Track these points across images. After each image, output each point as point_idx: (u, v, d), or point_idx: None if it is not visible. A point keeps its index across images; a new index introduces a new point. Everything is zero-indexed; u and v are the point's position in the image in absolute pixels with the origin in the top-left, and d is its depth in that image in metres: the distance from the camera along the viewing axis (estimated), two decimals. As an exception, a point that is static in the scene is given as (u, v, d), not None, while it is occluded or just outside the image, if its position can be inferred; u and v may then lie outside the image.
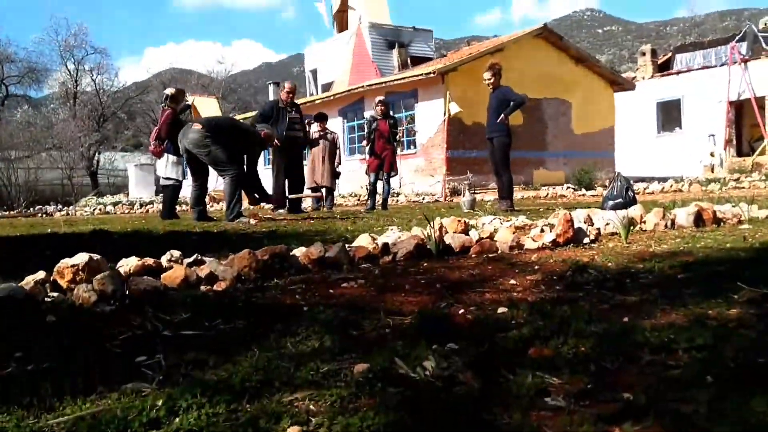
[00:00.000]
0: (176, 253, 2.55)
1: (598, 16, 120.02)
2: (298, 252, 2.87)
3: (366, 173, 10.75)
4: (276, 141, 8.54)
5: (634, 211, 4.23)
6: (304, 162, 12.15)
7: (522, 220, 4.54)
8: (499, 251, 3.06)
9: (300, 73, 32.59)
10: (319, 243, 2.71)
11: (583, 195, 15.18)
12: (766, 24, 26.66)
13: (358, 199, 19.26)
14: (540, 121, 21.37)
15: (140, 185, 30.41)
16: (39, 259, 3.10)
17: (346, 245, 2.87)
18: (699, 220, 4.19)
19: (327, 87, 28.03)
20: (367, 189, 11.13)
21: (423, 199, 17.43)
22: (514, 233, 3.77)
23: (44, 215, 20.87)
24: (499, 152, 8.34)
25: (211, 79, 45.25)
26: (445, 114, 17.32)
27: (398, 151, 10.60)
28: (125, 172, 35.53)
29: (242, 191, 6.77)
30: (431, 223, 3.75)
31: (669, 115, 26.27)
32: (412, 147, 20.88)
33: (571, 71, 22.12)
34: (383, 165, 10.00)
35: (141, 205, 22.25)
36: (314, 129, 12.07)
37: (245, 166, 6.88)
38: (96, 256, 2.52)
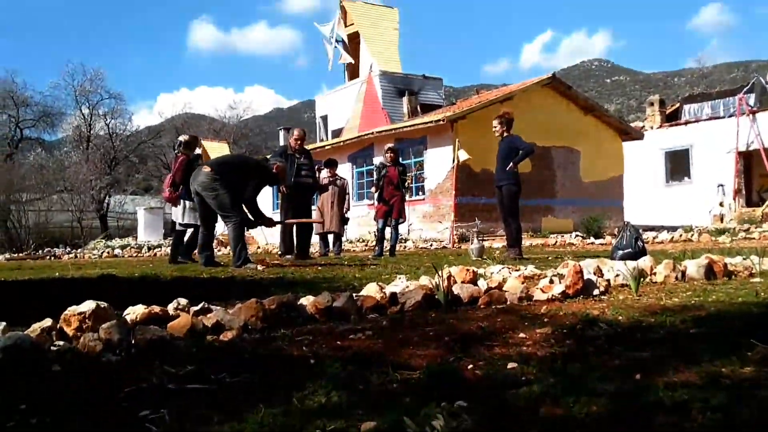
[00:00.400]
0: (183, 301, 2.54)
1: (606, 66, 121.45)
2: (306, 301, 2.86)
3: (374, 219, 10.78)
4: (284, 188, 8.62)
5: (644, 262, 4.20)
6: (313, 207, 12.21)
7: (531, 270, 4.52)
8: (508, 302, 3.04)
9: (311, 118, 33.03)
10: (327, 292, 2.69)
11: (592, 243, 15.12)
12: (773, 76, 26.89)
13: (366, 245, 19.27)
14: (549, 169, 21.46)
15: (149, 229, 30.55)
16: (46, 306, 3.09)
17: (354, 294, 2.85)
18: (710, 272, 4.15)
19: (337, 133, 28.34)
20: (375, 235, 11.16)
21: (431, 245, 17.40)
22: (523, 283, 3.74)
23: (53, 258, 20.92)
24: (508, 200, 8.35)
25: (222, 124, 45.87)
26: (454, 161, 17.43)
27: (407, 197, 10.62)
28: (135, 215, 35.74)
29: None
30: (439, 273, 3.73)
31: (678, 164, 26.36)
32: (420, 193, 20.96)
33: (579, 120, 22.30)
34: (392, 211, 10.04)
35: (149, 249, 22.31)
36: (324, 175, 12.17)
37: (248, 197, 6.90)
38: (103, 304, 2.51)
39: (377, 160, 22.38)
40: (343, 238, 12.23)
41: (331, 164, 12.27)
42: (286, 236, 8.99)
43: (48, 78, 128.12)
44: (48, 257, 21.36)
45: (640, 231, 6.81)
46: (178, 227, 8.90)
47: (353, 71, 29.14)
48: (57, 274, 7.95)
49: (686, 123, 26.22)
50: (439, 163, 20.01)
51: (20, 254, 26.18)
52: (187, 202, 8.54)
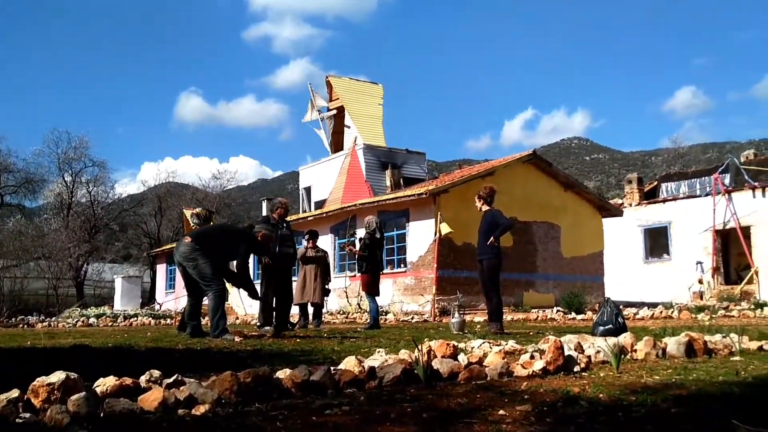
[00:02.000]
0: (156, 373, 2.47)
1: (586, 144, 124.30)
2: (282, 374, 2.80)
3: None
4: (266, 259, 8.58)
5: (625, 339, 4.19)
6: (293, 278, 12.13)
7: (511, 345, 4.49)
8: (489, 378, 2.99)
9: (294, 189, 33.37)
10: (304, 366, 2.64)
11: (573, 319, 15.09)
12: (747, 157, 27.68)
13: (347, 317, 19.08)
14: (530, 243, 21.62)
15: (126, 297, 30.11)
16: (14, 375, 2.99)
17: (332, 368, 2.80)
18: (690, 350, 4.14)
19: (320, 204, 28.50)
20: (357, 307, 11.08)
21: (412, 318, 17.25)
22: (503, 358, 3.72)
23: (26, 326, 20.43)
24: (489, 274, 8.37)
25: (206, 193, 45.96)
26: (436, 234, 17.52)
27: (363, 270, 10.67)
28: (112, 283, 35.30)
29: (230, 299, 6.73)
30: (419, 347, 3.69)
31: (656, 241, 26.71)
32: (402, 266, 20.95)
33: (560, 196, 22.66)
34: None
35: (125, 318, 21.94)
36: (304, 245, 12.16)
37: (237, 268, 6.88)
38: (73, 375, 2.44)
39: (360, 231, 22.46)
40: (324, 310, 12.09)
41: (313, 236, 12.27)
42: (265, 307, 8.86)
43: (32, 145, 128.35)
44: (21, 326, 20.86)
45: (621, 307, 6.81)
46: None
47: (337, 144, 29.60)
48: (29, 343, 7.74)
49: (664, 201, 26.73)
50: (421, 236, 20.09)
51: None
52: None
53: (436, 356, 3.74)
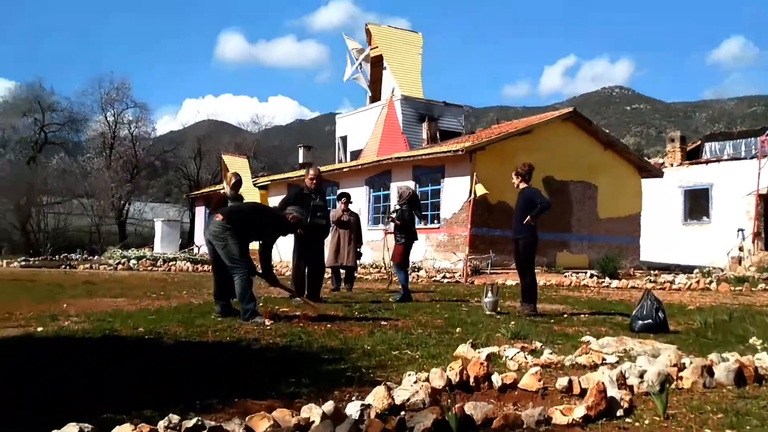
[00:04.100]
0: (175, 419, 2.49)
1: (627, 93, 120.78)
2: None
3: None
4: (300, 230, 8.66)
5: (669, 366, 4.02)
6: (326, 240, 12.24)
7: (546, 357, 4.47)
8: (525, 425, 2.94)
9: (331, 132, 33.42)
10: (328, 422, 2.63)
11: (607, 286, 15.01)
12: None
13: (380, 271, 19.26)
14: (566, 203, 21.38)
15: (165, 240, 30.77)
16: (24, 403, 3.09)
17: (360, 411, 2.82)
18: (740, 377, 4.02)
19: (356, 154, 28.46)
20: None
21: (444, 277, 17.36)
22: (539, 380, 3.72)
23: (68, 267, 21.11)
24: (524, 254, 8.33)
25: (243, 138, 46.21)
26: (471, 193, 17.44)
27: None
28: (152, 222, 36.07)
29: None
30: (450, 366, 3.74)
31: (696, 203, 26.18)
32: (435, 221, 20.96)
33: (599, 155, 22.25)
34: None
35: (164, 261, 22.47)
36: (339, 208, 12.21)
37: (260, 250, 6.92)
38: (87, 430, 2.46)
39: (394, 185, 22.44)
40: (356, 274, 12.23)
41: (345, 197, 12.31)
42: (297, 278, 8.98)
43: (74, 85, 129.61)
44: (64, 266, 21.57)
45: (662, 302, 6.72)
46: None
47: (375, 94, 29.30)
48: (64, 306, 8.01)
49: (707, 162, 26.06)
50: (456, 193, 20.01)
51: (37, 259, 26.53)
52: None
53: (468, 376, 3.79)
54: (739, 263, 21.92)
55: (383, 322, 6.68)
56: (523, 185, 8.54)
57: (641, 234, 23.17)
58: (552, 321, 7.45)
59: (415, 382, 3.49)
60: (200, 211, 34.40)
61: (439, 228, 20.70)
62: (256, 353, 4.60)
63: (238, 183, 9.21)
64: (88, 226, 36.61)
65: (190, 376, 3.77)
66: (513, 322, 6.65)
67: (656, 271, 19.31)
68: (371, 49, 29.29)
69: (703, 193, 25.80)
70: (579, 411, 3.01)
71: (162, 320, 6.33)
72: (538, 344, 5.26)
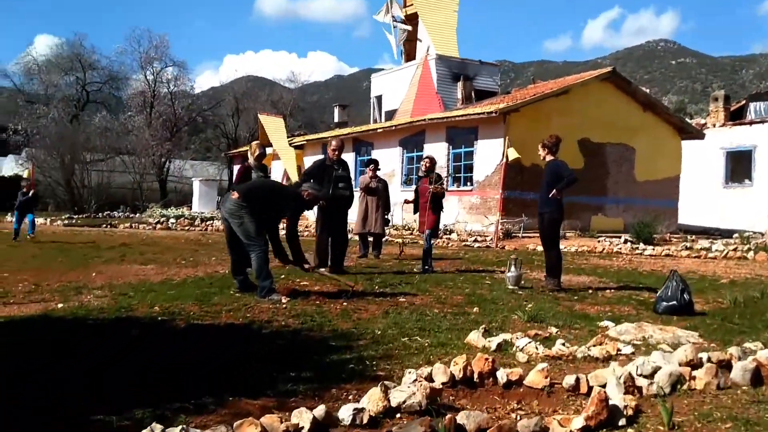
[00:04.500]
0: (158, 429, 2.58)
1: (672, 47, 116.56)
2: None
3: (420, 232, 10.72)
4: (322, 201, 8.74)
5: (682, 366, 3.88)
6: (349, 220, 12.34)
7: (558, 348, 4.48)
8: (520, 436, 2.95)
9: (369, 88, 33.23)
10: None
11: (641, 254, 14.83)
12: None
13: (411, 233, 19.31)
14: (602, 166, 21.05)
15: (203, 199, 31.36)
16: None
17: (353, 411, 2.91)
18: (757, 377, 3.90)
19: (390, 114, 28.31)
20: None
21: (475, 241, 17.37)
22: (546, 377, 3.70)
23: (108, 226, 21.70)
24: (549, 228, 8.30)
25: (280, 95, 46.24)
26: (503, 157, 17.27)
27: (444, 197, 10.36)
28: (192, 180, 36.69)
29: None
30: (455, 361, 3.80)
31: (739, 166, 25.47)
32: (468, 184, 20.87)
33: (637, 116, 21.73)
34: (424, 224, 9.83)
35: (202, 221, 22.94)
36: (367, 175, 12.26)
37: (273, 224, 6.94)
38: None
39: (428, 146, 22.31)
40: (384, 239, 12.34)
41: (375, 164, 12.35)
42: (320, 248, 9.09)
43: (115, 43, 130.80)
44: (105, 225, 22.18)
45: (688, 283, 6.61)
46: None
47: (409, 53, 28.92)
48: (93, 275, 8.30)
49: (751, 123, 25.21)
50: (489, 155, 19.84)
51: (80, 216, 27.36)
52: None
53: (473, 371, 3.80)
54: (780, 228, 21.37)
55: (401, 298, 6.78)
56: (549, 157, 8.46)
57: (680, 197, 22.70)
58: (575, 298, 7.45)
59: (415, 381, 3.52)
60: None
61: (471, 190, 20.62)
62: (265, 339, 4.70)
63: (262, 155, 9.32)
64: (130, 183, 37.38)
65: (193, 369, 3.86)
66: (531, 303, 6.69)
67: (693, 237, 18.96)
68: (406, 6, 28.81)
69: (746, 155, 25.07)
70: (577, 422, 2.95)
71: (180, 296, 6.51)
72: (554, 330, 5.29)
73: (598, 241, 16.87)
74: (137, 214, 29.46)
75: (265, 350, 4.36)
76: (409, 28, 28.58)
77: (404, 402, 3.14)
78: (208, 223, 22.52)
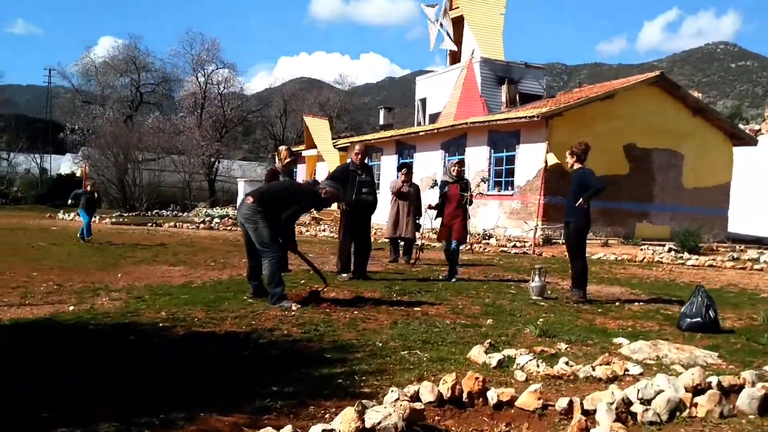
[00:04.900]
0: None
1: (732, 50, 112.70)
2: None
3: (438, 240, 10.34)
4: (344, 205, 8.73)
5: (685, 391, 3.69)
6: (379, 223, 12.28)
7: (561, 367, 4.33)
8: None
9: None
10: None
11: (683, 264, 14.37)
12: None
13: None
14: (647, 171, 20.51)
15: (248, 199, 31.74)
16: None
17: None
18: (765, 406, 3.66)
19: (434, 117, 28.18)
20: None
21: (513, 246, 17.14)
22: (538, 399, 3.58)
23: (153, 225, 22.15)
24: (574, 237, 8.10)
25: (327, 97, 46.58)
26: (543, 163, 16.99)
27: (469, 214, 10.03)
28: (238, 180, 37.26)
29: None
30: (444, 379, 3.72)
31: (795, 173, 24.46)
32: (509, 188, 20.62)
33: (686, 121, 21.10)
34: (452, 232, 9.49)
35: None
36: (400, 179, 12.22)
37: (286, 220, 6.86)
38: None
39: (470, 149, 22.14)
40: (417, 243, 12.25)
41: (408, 170, 12.30)
42: (343, 254, 9.06)
43: (168, 45, 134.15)
44: (151, 223, 22.68)
45: (714, 300, 6.35)
46: None
47: (454, 56, 28.74)
48: (119, 276, 8.46)
49: (809, 129, 24.21)
50: (531, 159, 19.54)
51: (131, 214, 28.14)
52: None
53: (462, 391, 3.69)
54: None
55: (416, 308, 6.70)
56: (577, 165, 8.23)
57: (731, 205, 21.93)
58: (599, 310, 7.25)
59: (397, 400, 3.45)
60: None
61: (512, 195, 20.36)
62: (261, 349, 4.68)
63: (293, 161, 9.32)
64: (180, 182, 38.20)
65: (173, 380, 3.85)
66: (551, 316, 6.54)
67: (742, 246, 18.30)
68: (452, 9, 28.63)
69: (803, 162, 24.06)
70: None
71: (192, 301, 6.56)
72: (563, 346, 5.14)
73: (640, 249, 16.45)
74: (184, 213, 30.08)
75: (256, 360, 4.34)
76: (453, 47, 28.32)
77: (379, 423, 3.07)
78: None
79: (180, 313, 5.87)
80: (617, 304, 7.86)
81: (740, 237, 21.43)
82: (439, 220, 9.90)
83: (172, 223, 22.85)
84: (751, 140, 22.17)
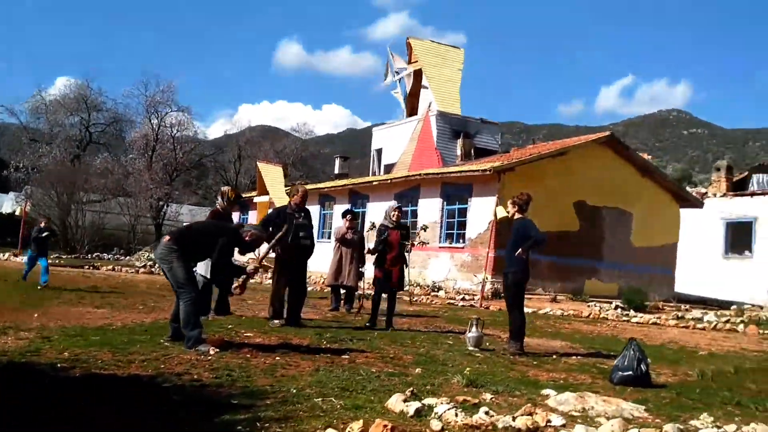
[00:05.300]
0: None
1: (684, 117, 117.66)
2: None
3: (372, 284, 9.93)
4: (278, 249, 8.29)
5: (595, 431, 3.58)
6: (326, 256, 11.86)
7: (480, 417, 3.96)
8: None
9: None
10: None
11: (628, 321, 14.22)
12: None
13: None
14: (598, 229, 20.63)
15: (195, 244, 30.90)
16: None
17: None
18: None
19: (389, 168, 28.11)
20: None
21: (462, 299, 16.87)
22: None
23: (90, 268, 21.19)
24: (513, 289, 7.82)
25: (284, 145, 46.37)
26: (493, 215, 16.88)
27: (408, 262, 9.70)
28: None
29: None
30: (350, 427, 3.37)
31: (739, 237, 24.95)
32: (460, 241, 20.43)
33: (635, 182, 21.42)
34: (390, 278, 9.11)
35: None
36: (344, 225, 11.86)
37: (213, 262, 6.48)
38: None
39: (423, 201, 22.00)
40: (358, 293, 11.84)
41: (352, 216, 11.97)
42: (276, 298, 8.58)
43: (124, 85, 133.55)
44: (88, 266, 21.71)
45: (646, 354, 6.13)
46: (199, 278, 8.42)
47: (412, 108, 28.91)
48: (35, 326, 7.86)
49: (752, 194, 24.80)
50: (483, 212, 19.44)
51: (70, 256, 27.01)
52: None
53: None
54: (780, 303, 20.70)
55: (344, 356, 6.25)
56: (518, 216, 8.01)
57: (677, 265, 22.15)
58: (535, 363, 6.90)
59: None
60: (235, 217, 34.49)
61: (464, 248, 20.17)
62: (161, 394, 4.21)
63: (232, 199, 8.91)
64: (126, 225, 37.12)
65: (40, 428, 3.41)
66: (480, 366, 6.20)
67: (687, 306, 18.37)
68: (411, 63, 28.96)
69: (746, 226, 24.57)
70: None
71: (103, 342, 6.02)
72: (488, 396, 4.77)
73: (587, 306, 16.31)
74: (126, 258, 29.07)
75: (151, 408, 3.85)
76: (410, 75, 28.63)
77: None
78: (194, 267, 22.05)
79: (84, 354, 5.33)
80: (554, 357, 7.54)
81: (686, 297, 21.57)
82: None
83: (110, 267, 21.94)
84: (697, 202, 22.59)
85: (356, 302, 11.56)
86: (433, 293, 18.25)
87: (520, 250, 7.64)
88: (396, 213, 9.43)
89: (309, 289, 11.47)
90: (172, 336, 6.37)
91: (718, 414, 4.70)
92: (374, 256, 9.31)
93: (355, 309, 11.28)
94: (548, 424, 4.01)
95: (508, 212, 8.22)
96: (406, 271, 9.68)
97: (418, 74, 28.45)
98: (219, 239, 6.22)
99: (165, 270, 6.17)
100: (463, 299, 16.95)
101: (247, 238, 6.42)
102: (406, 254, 9.43)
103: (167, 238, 6.26)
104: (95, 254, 30.24)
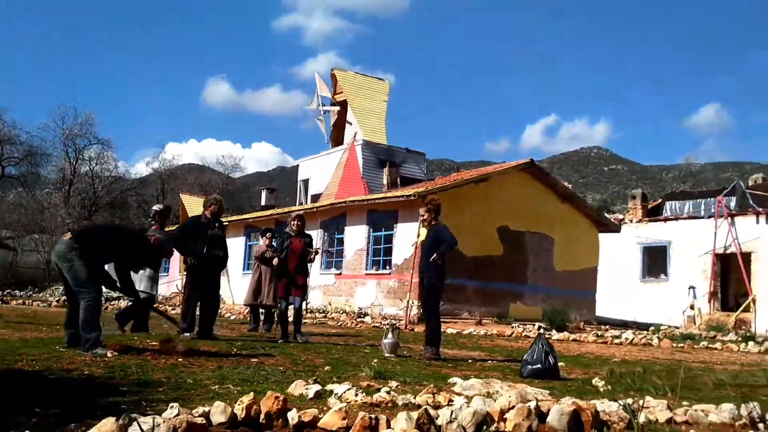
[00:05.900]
0: None
1: (605, 154, 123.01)
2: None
3: (276, 298, 9.70)
4: (191, 259, 8.03)
5: (493, 406, 3.48)
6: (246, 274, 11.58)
7: (382, 395, 3.85)
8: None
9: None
10: None
11: (549, 338, 14.38)
12: (755, 181, 26.75)
13: (325, 316, 18.61)
14: (521, 253, 20.95)
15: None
16: None
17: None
18: (576, 422, 3.43)
19: (316, 198, 27.99)
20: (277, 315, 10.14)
21: (389, 322, 16.69)
22: (343, 419, 3.15)
23: (1, 302, 20.08)
24: (429, 294, 7.80)
25: (209, 179, 45.62)
26: (416, 238, 16.92)
27: (310, 272, 9.68)
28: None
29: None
30: (241, 399, 3.19)
31: (655, 261, 25.89)
32: (387, 267, 20.36)
33: (556, 208, 21.95)
34: (295, 282, 8.98)
35: (106, 300, 21.56)
36: (263, 243, 11.63)
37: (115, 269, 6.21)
38: None
39: (348, 229, 21.91)
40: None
41: (269, 232, 11.76)
42: (188, 310, 8.26)
43: (39, 118, 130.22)
44: (-2, 301, 20.56)
45: (553, 347, 6.19)
46: (142, 294, 8.30)
47: (337, 138, 29.02)
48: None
49: (665, 220, 25.86)
50: (408, 239, 19.46)
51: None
52: (147, 270, 8.40)
53: (259, 412, 3.21)
54: (694, 322, 21.51)
55: (253, 359, 6.01)
56: (434, 222, 8.04)
57: (598, 289, 22.71)
58: (450, 365, 6.82)
59: (177, 415, 2.86)
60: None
61: (390, 274, 20.10)
62: (42, 385, 3.91)
63: (163, 213, 8.81)
64: (41, 262, 35.47)
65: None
66: (393, 368, 6.06)
67: (607, 327, 18.80)
68: (337, 93, 29.16)
69: (661, 250, 25.53)
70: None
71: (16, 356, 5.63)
72: (394, 384, 4.64)
73: (511, 327, 16.46)
74: (41, 294, 27.70)
75: (28, 393, 3.55)
76: (337, 108, 28.81)
77: (143, 437, 2.43)
78: (111, 303, 21.17)
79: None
80: (469, 361, 7.51)
81: (608, 320, 22.07)
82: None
83: (20, 301, 20.82)
84: (614, 227, 23.33)
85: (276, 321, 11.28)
86: (359, 319, 18.04)
87: (435, 255, 7.63)
88: (296, 222, 9.37)
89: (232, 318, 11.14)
90: (68, 342, 6.01)
91: (619, 396, 4.70)
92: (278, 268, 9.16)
93: (274, 329, 11.00)
94: (450, 403, 3.91)
95: (423, 220, 8.19)
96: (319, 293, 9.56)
97: (343, 105, 28.65)
98: (127, 243, 5.97)
99: (64, 270, 5.81)
100: (388, 322, 16.79)
101: (152, 242, 6.18)
102: (309, 264, 9.32)
103: (68, 235, 5.93)
104: (6, 291, 28.67)
